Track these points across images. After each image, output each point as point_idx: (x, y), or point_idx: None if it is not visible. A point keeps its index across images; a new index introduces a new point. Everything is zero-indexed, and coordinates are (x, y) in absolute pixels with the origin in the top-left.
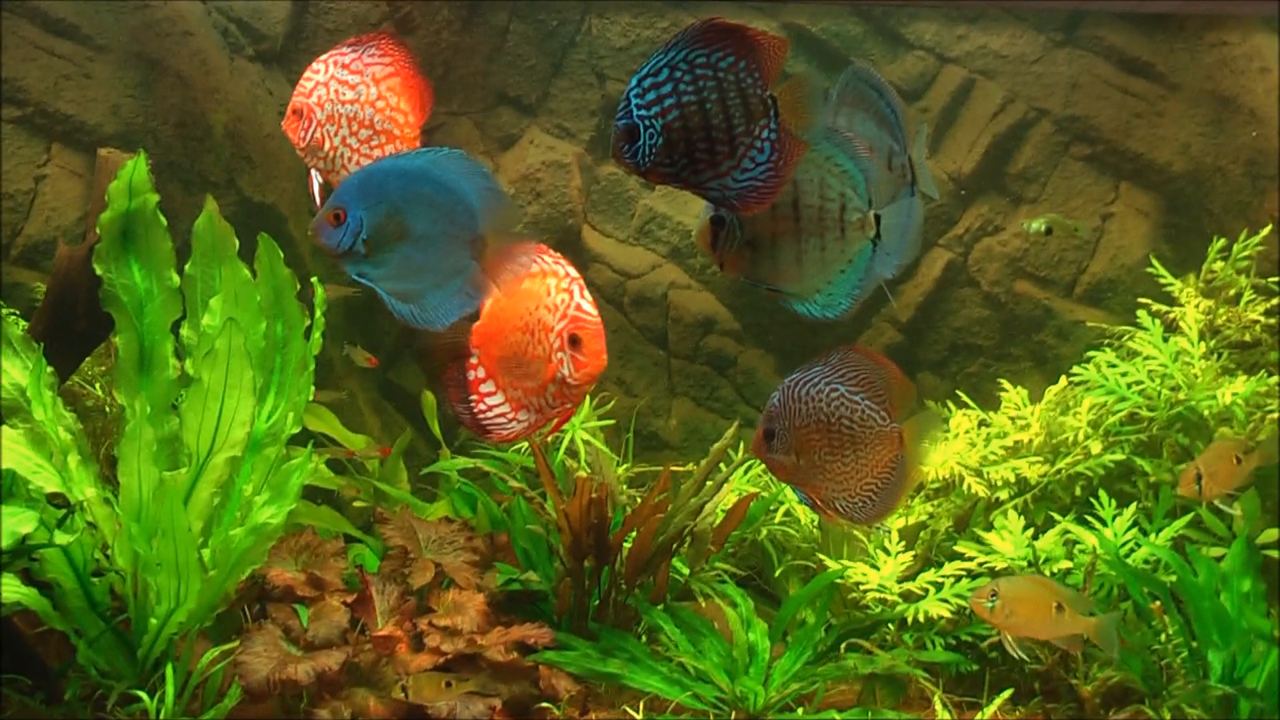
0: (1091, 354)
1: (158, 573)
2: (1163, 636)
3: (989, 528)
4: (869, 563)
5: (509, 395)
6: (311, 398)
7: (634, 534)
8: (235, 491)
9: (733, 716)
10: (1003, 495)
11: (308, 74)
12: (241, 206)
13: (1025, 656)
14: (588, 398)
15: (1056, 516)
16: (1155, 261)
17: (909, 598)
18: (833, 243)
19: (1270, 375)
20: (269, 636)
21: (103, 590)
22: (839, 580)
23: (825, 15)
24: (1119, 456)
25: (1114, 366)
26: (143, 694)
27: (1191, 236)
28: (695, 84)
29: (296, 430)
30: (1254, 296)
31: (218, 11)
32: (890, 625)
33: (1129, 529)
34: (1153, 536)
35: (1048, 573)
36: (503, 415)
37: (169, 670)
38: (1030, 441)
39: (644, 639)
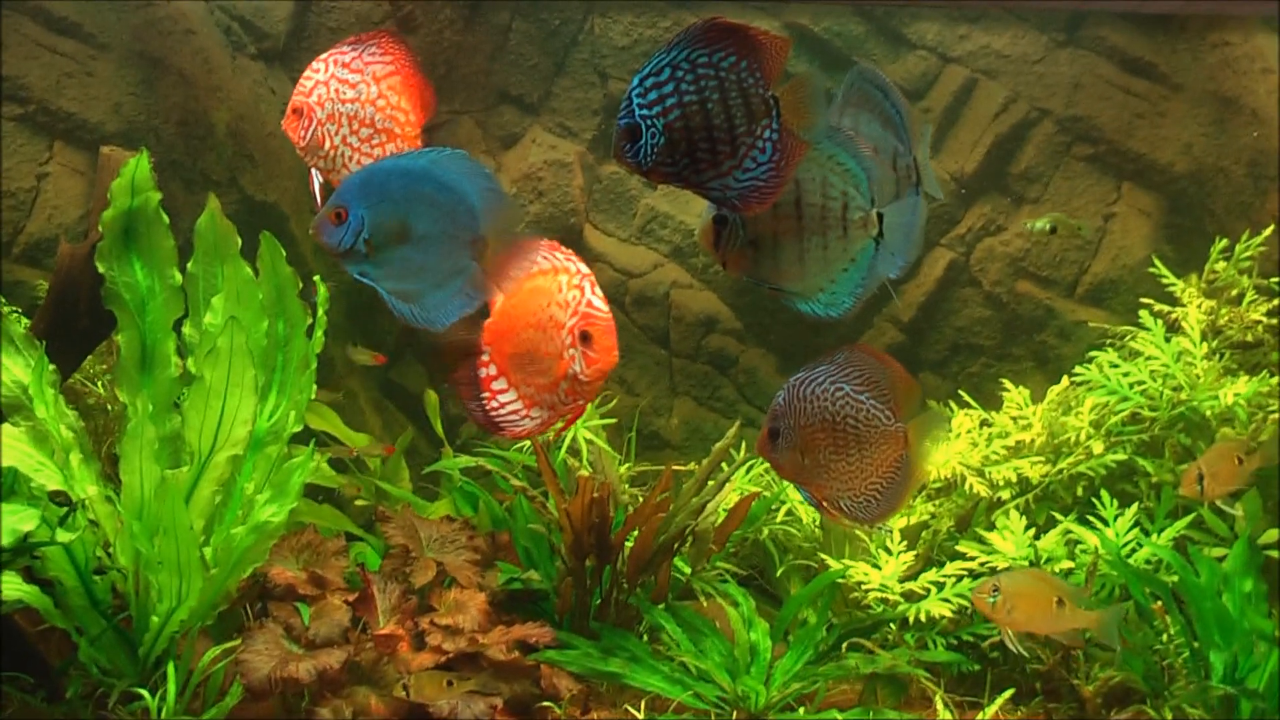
0: (1093, 354)
1: (159, 571)
2: (1164, 637)
3: (991, 527)
4: (871, 562)
5: (522, 392)
6: (313, 396)
7: (636, 533)
8: (237, 490)
9: (734, 716)
10: (1004, 495)
11: (307, 73)
12: (243, 205)
13: (1025, 653)
14: None
15: (1058, 516)
16: (1157, 261)
17: (911, 597)
18: (835, 241)
19: (1272, 375)
20: (270, 635)
21: (104, 588)
22: (840, 580)
23: (827, 15)
24: (1121, 456)
25: (1116, 366)
26: (144, 692)
27: (1193, 237)
28: (697, 84)
29: (298, 429)
30: (1256, 297)
31: (220, 10)
32: (892, 625)
33: (1131, 529)
34: (1154, 537)
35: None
36: (515, 412)
37: (170, 668)
38: (1032, 441)
39: (645, 638)
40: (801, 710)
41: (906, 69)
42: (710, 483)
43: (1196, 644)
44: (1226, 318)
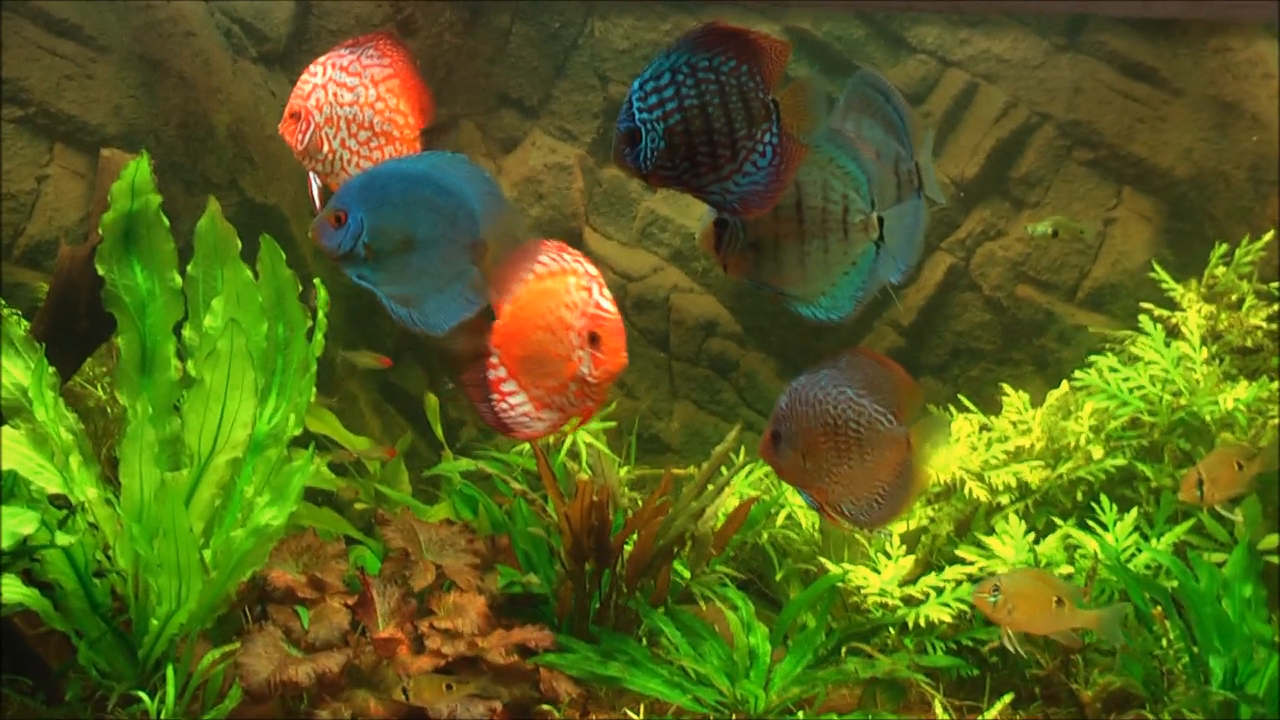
0: (1093, 359)
1: (159, 574)
2: (1164, 642)
3: (990, 532)
4: (870, 567)
5: (531, 394)
6: (313, 399)
7: (635, 537)
8: (236, 493)
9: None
10: (1004, 500)
11: (305, 76)
12: (243, 207)
13: (1023, 653)
14: None
15: (1058, 521)
16: (1157, 266)
17: (910, 602)
18: (836, 244)
19: (1272, 381)
20: (270, 638)
21: (104, 591)
22: (840, 584)
23: (828, 19)
24: (1120, 461)
25: (1116, 371)
26: (143, 695)
27: (1193, 241)
28: (697, 87)
29: (298, 432)
30: (1256, 302)
31: (221, 12)
32: (891, 629)
33: (1130, 534)
34: (1154, 541)
35: None
36: (526, 414)
37: (170, 671)
38: (1032, 446)
39: (645, 642)
40: (801, 714)
41: (907, 73)
42: (710, 487)
43: (1196, 649)
44: (1226, 323)
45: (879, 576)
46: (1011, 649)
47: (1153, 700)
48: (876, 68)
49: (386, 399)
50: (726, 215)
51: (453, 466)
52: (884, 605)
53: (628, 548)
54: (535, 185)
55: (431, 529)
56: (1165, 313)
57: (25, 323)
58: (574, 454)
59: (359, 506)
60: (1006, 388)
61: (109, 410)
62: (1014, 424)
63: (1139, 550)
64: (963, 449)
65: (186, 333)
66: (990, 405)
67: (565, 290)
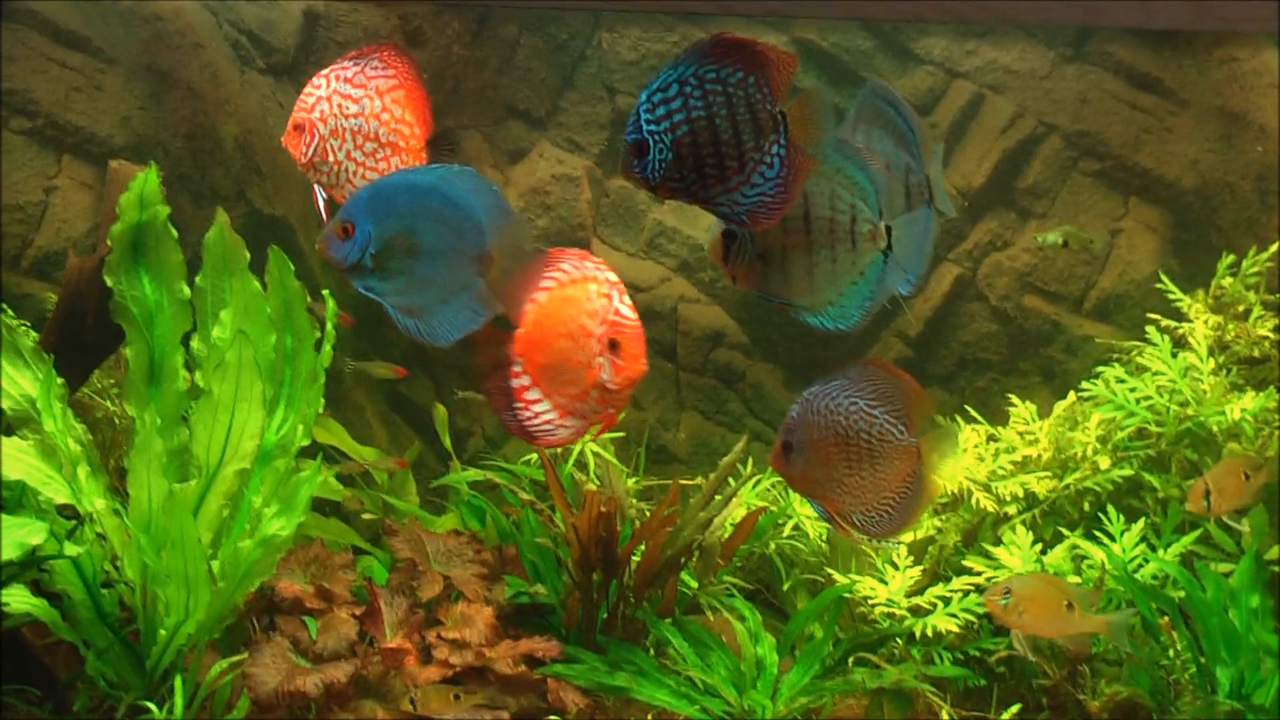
0: (1100, 369)
1: (167, 584)
2: (1170, 652)
3: (997, 542)
4: (877, 577)
5: (555, 402)
6: (321, 410)
7: (642, 547)
8: (244, 503)
9: None
10: (1011, 510)
11: (308, 89)
12: (251, 219)
13: (1032, 655)
14: None
15: (1065, 531)
16: (1164, 277)
17: (917, 612)
18: (844, 254)
19: (1279, 391)
20: (277, 648)
21: (112, 601)
22: (847, 594)
23: (835, 30)
24: (1127, 472)
25: (1123, 382)
26: (151, 705)
27: (1200, 252)
28: (705, 99)
29: (306, 443)
30: (1263, 312)
31: (229, 24)
32: (898, 639)
33: (1137, 544)
34: (1161, 552)
35: None
36: (549, 422)
37: (177, 681)
38: (1039, 456)
39: (652, 652)
40: None
41: (914, 84)
42: (717, 497)
43: (1203, 659)
44: (1233, 333)
45: (886, 587)
46: (1021, 651)
47: (1160, 710)
48: (884, 79)
49: (394, 409)
50: (734, 226)
51: (460, 477)
52: (891, 615)
53: (635, 558)
54: (542, 196)
55: (439, 539)
56: (1172, 323)
57: (34, 334)
58: (581, 464)
59: (366, 517)
60: (1013, 398)
61: (117, 421)
62: (1021, 434)
63: (1146, 560)
64: (970, 459)
65: (195, 344)
66: (997, 416)
67: (586, 298)
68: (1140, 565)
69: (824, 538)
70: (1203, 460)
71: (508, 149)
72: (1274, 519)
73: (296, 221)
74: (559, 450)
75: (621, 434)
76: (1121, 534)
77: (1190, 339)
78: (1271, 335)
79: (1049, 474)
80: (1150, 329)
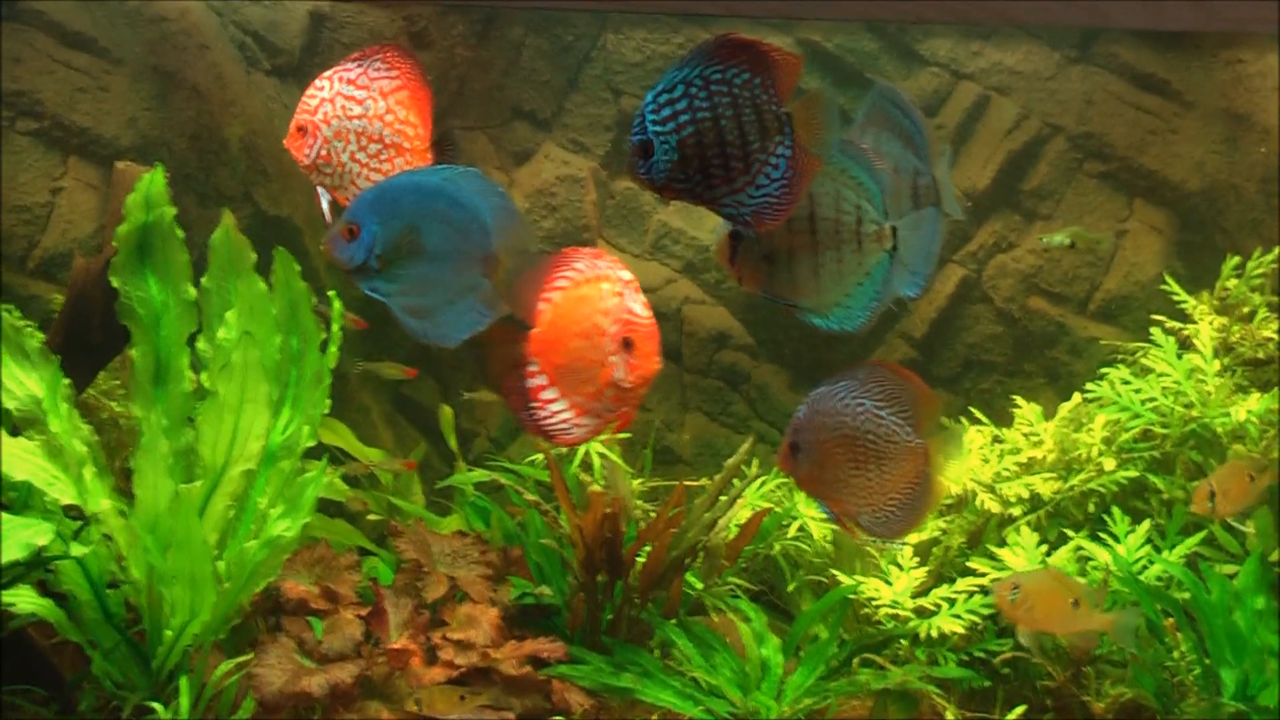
0: (1105, 370)
1: (172, 585)
2: (1175, 654)
3: (1002, 544)
4: (882, 578)
5: (571, 401)
6: (327, 411)
7: (648, 548)
8: (250, 504)
9: None
10: (1016, 511)
11: (311, 90)
12: (257, 220)
13: (1037, 652)
14: None
15: (1070, 533)
16: (1169, 278)
17: (922, 613)
18: (850, 255)
19: None
20: (283, 649)
21: (118, 602)
22: (852, 596)
23: (840, 31)
24: (1132, 473)
25: (1128, 383)
26: (157, 705)
27: (1205, 254)
28: (710, 100)
29: (312, 444)
30: (1268, 314)
31: (234, 25)
32: (903, 641)
33: (1142, 546)
34: (1166, 553)
35: None
36: (566, 421)
37: (183, 682)
38: (1044, 458)
39: (657, 653)
40: None
41: (919, 86)
42: (722, 498)
43: (1208, 661)
44: (1238, 335)
45: (891, 588)
46: (1026, 646)
47: (1164, 712)
48: (890, 81)
49: (399, 411)
50: (740, 228)
51: (465, 478)
52: (896, 617)
53: (640, 559)
54: (548, 198)
55: (444, 540)
56: (1177, 325)
57: (40, 335)
58: (587, 466)
59: (371, 518)
60: (1018, 400)
61: (123, 422)
62: (1026, 436)
63: (1151, 562)
64: (974, 461)
65: (200, 345)
66: (1002, 417)
67: (599, 296)
68: (1145, 567)
69: (829, 539)
70: (1208, 462)
71: (513, 150)
72: (1279, 520)
73: (302, 223)
74: (564, 451)
75: (627, 435)
76: (1126, 535)
77: (1195, 341)
78: (1276, 337)
79: (1054, 475)
80: (1155, 330)
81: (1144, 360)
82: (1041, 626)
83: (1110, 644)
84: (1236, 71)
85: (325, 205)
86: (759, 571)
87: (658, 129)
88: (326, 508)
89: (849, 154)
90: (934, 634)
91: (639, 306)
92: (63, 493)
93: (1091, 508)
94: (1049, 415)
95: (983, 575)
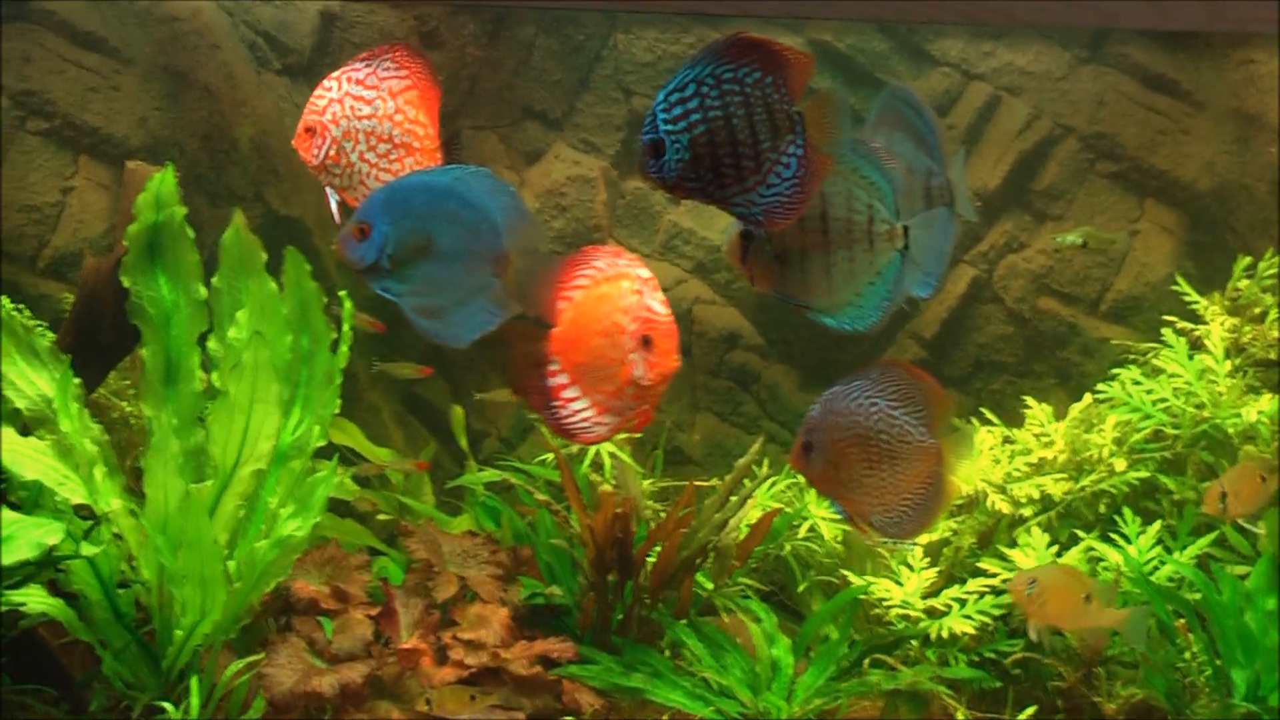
0: (1116, 371)
1: (183, 584)
2: (1187, 654)
3: (1013, 544)
4: (893, 579)
5: (592, 399)
6: (337, 411)
7: (658, 549)
8: (260, 504)
9: None
10: (1026, 512)
11: (319, 91)
12: (268, 219)
13: (1049, 647)
14: None
15: (1080, 534)
16: (1180, 279)
17: (932, 614)
18: (861, 255)
19: None
20: (293, 649)
21: (128, 601)
22: (862, 596)
23: (851, 31)
24: (1143, 474)
25: (1139, 384)
26: (167, 705)
27: (1216, 254)
28: (721, 99)
29: (322, 443)
30: (1279, 315)
31: (245, 25)
32: (913, 641)
33: (1153, 546)
34: (1177, 554)
35: None
36: (587, 419)
37: (194, 682)
38: (1054, 458)
39: (667, 654)
40: None
41: (930, 86)
42: (732, 499)
43: (1219, 662)
44: (1249, 335)
45: (901, 589)
46: (1035, 639)
47: (1175, 713)
48: (901, 81)
49: (409, 411)
50: (752, 227)
51: (476, 478)
52: (906, 617)
53: (650, 559)
54: (558, 198)
55: (454, 540)
56: (1188, 325)
57: (50, 334)
58: (597, 466)
59: (382, 518)
60: (1029, 400)
61: (133, 422)
62: (1037, 436)
63: (1162, 563)
64: (985, 462)
65: (211, 345)
66: (1013, 418)
67: (619, 295)
68: (1156, 568)
69: (839, 539)
70: (1219, 463)
71: (524, 150)
72: None
73: (313, 222)
74: (575, 451)
75: (637, 435)
76: (1137, 536)
77: (1206, 341)
78: None
79: (1065, 476)
80: (1166, 331)
81: (1155, 361)
82: (1054, 621)
83: (1121, 645)
84: (1248, 72)
85: (334, 206)
86: (769, 572)
87: (669, 128)
88: (336, 507)
89: (861, 153)
90: (945, 635)
91: (658, 304)
92: (73, 492)
93: (1102, 508)
94: (1060, 416)
95: (993, 576)
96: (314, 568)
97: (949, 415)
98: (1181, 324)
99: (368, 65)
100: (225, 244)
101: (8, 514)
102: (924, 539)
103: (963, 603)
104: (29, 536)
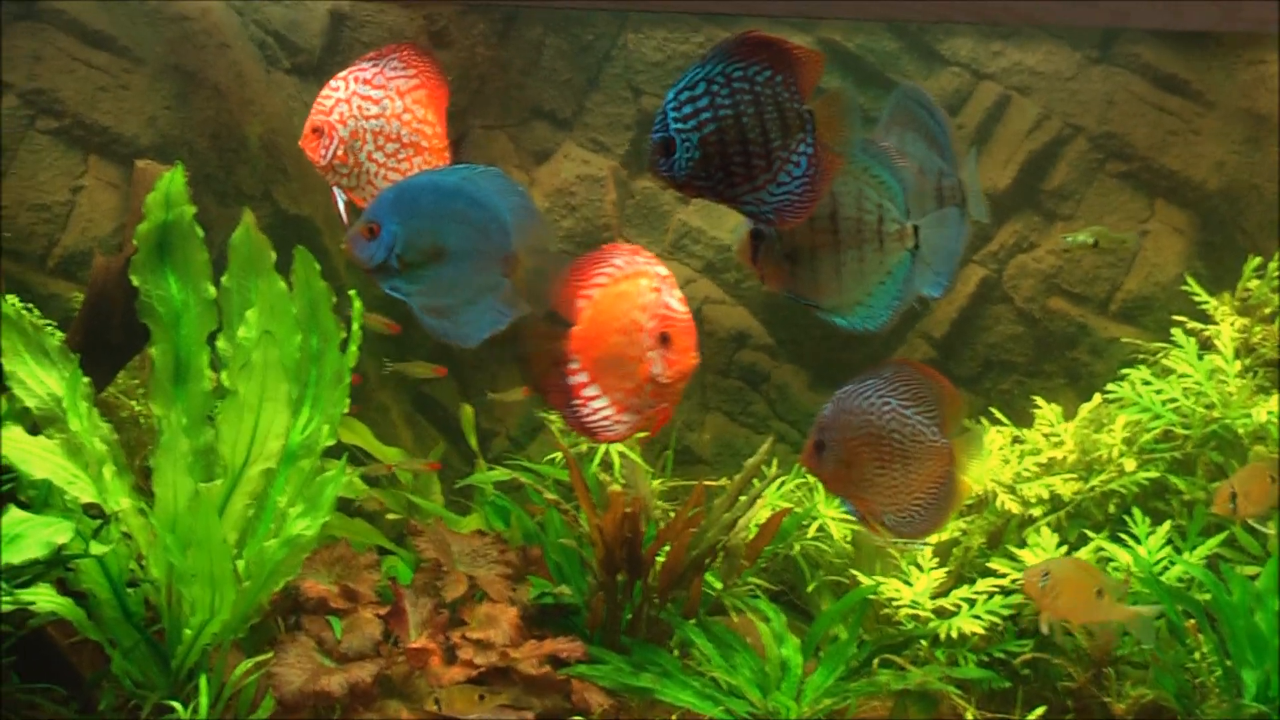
0: (1126, 371)
1: (192, 583)
2: (1196, 655)
3: (1022, 544)
4: (902, 579)
5: (612, 397)
6: (346, 410)
7: (667, 548)
8: (269, 503)
9: None
10: (1036, 512)
11: (326, 91)
12: (277, 219)
13: (1060, 639)
14: None
15: (1090, 534)
16: (1190, 279)
17: (941, 614)
18: (871, 254)
19: None
20: (302, 648)
21: (137, 601)
22: (872, 596)
23: (861, 31)
24: (1153, 474)
25: (1148, 384)
26: (176, 704)
27: (1226, 254)
28: (731, 97)
29: (331, 443)
30: None
31: (255, 24)
32: (923, 641)
33: (1163, 547)
34: (1187, 554)
35: None
36: (607, 417)
37: (203, 681)
38: (1064, 458)
39: (676, 653)
40: None
41: (940, 85)
42: (742, 498)
43: (1229, 662)
44: (1259, 335)
45: (911, 589)
46: (1048, 633)
47: (1185, 713)
48: (911, 80)
49: (418, 410)
50: (762, 226)
51: (485, 477)
52: (916, 617)
53: (660, 559)
54: (568, 197)
55: (464, 540)
56: (1198, 325)
57: (59, 333)
58: (606, 465)
59: (391, 517)
60: (1039, 400)
61: (142, 421)
62: (1046, 436)
63: (1171, 563)
64: (995, 462)
65: (220, 344)
66: (1022, 418)
67: (638, 292)
68: (1166, 568)
69: (848, 539)
70: (1228, 463)
71: (533, 150)
72: None
73: (322, 222)
74: (584, 450)
75: (655, 436)
76: (1147, 536)
77: (1216, 341)
78: None
79: (1074, 476)
80: (1176, 331)
81: (1165, 361)
82: (1066, 615)
83: (1131, 645)
84: (1259, 72)
85: (341, 206)
86: (779, 571)
87: (679, 126)
88: (346, 507)
89: (871, 153)
90: (954, 635)
91: (676, 302)
92: (82, 491)
93: (1112, 509)
94: (1069, 416)
95: (1003, 576)
96: (323, 567)
97: (961, 415)
98: (1191, 324)
99: (375, 65)
100: (234, 243)
101: (17, 513)
102: (933, 539)
103: (972, 603)
104: (38, 535)
